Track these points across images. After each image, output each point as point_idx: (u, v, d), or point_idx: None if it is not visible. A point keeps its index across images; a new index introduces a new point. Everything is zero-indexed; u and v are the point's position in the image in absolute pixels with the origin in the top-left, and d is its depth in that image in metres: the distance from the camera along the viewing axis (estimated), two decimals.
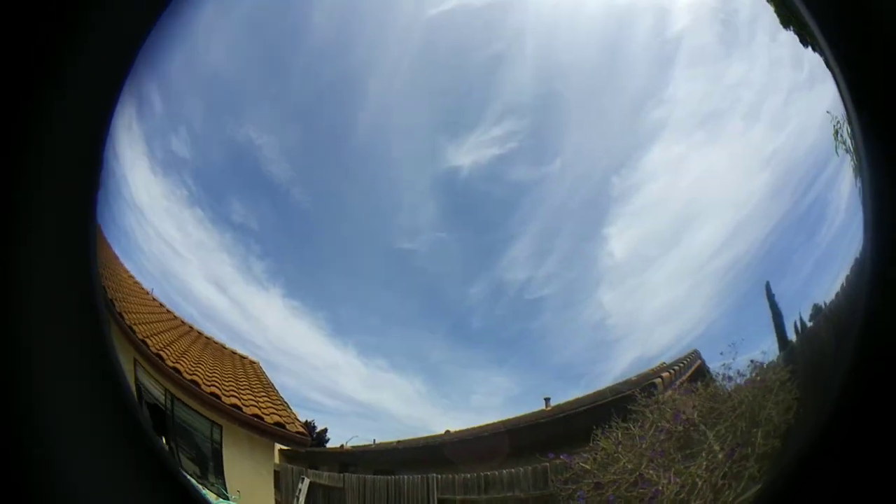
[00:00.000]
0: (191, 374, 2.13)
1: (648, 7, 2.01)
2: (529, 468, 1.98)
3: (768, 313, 2.06)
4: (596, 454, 1.95)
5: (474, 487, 2.00)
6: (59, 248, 2.24)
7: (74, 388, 2.25)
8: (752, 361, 2.05)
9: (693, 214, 1.95)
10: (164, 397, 2.21)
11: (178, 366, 2.16)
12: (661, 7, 2.03)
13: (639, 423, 1.97)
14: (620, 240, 1.90)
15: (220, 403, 2.11)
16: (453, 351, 1.90)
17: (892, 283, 2.26)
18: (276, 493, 2.11)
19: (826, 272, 2.10)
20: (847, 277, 2.14)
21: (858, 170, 2.20)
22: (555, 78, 1.92)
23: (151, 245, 2.10)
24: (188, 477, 2.14)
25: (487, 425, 1.94)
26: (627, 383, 1.98)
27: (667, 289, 1.95)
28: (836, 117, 2.18)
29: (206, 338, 2.12)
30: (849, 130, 2.18)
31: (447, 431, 1.97)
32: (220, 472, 2.13)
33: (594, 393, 1.97)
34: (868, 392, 2.23)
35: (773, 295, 2.06)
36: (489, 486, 2.00)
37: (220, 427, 2.15)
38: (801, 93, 2.14)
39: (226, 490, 2.14)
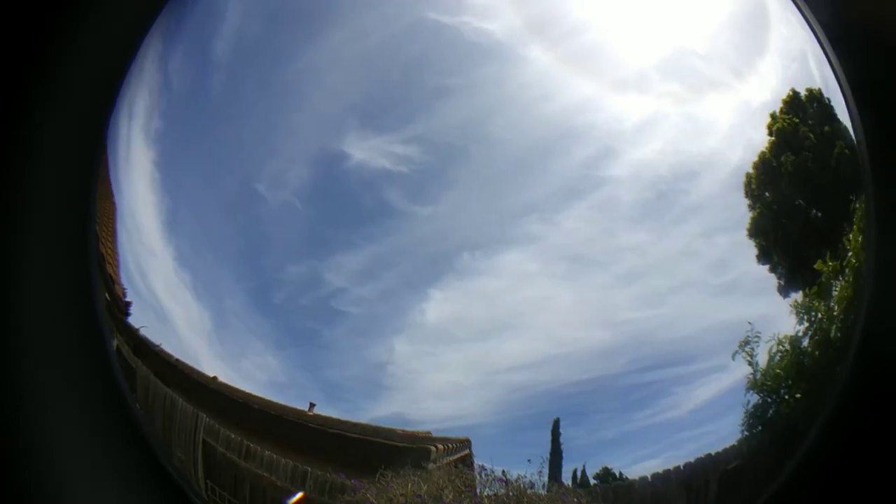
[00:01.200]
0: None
1: (599, 140, 2.06)
2: (291, 463, 2.03)
3: (547, 448, 2.11)
4: (392, 496, 1.99)
5: (236, 449, 2.07)
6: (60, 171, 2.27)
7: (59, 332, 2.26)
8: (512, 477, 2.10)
9: (512, 325, 2.00)
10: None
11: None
12: (611, 148, 2.07)
13: (427, 484, 2.03)
14: (439, 306, 1.95)
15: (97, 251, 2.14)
16: (246, 310, 1.95)
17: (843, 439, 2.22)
18: None
19: (629, 449, 2.12)
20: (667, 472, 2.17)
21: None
22: (478, 140, 1.96)
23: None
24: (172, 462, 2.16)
25: (277, 406, 1.99)
26: (392, 433, 2.04)
27: (455, 371, 2.00)
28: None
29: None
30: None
31: (215, 377, 2.03)
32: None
33: (355, 422, 2.03)
34: None
35: (560, 433, 2.11)
36: (249, 457, 2.06)
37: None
38: (697, 291, 2.18)
39: None
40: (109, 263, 2.10)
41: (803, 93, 2.26)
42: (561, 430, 2.08)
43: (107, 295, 2.08)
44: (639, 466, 2.11)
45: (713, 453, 2.11)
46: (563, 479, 2.08)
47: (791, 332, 2.13)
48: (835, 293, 2.20)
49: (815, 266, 2.20)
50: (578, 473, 2.09)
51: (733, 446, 2.10)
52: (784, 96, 2.23)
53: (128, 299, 2.07)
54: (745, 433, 2.11)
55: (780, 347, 2.13)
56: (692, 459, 2.13)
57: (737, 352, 2.11)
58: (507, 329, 2.01)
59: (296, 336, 1.97)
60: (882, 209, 2.23)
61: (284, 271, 1.96)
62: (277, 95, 1.97)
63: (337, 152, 1.94)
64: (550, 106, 2.05)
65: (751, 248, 2.14)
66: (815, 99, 2.29)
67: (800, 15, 2.23)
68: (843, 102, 2.26)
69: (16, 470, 2.16)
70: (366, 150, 1.93)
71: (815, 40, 2.23)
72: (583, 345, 2.07)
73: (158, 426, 2.08)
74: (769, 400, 2.14)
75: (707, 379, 2.11)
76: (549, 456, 2.09)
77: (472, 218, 1.97)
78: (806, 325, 2.15)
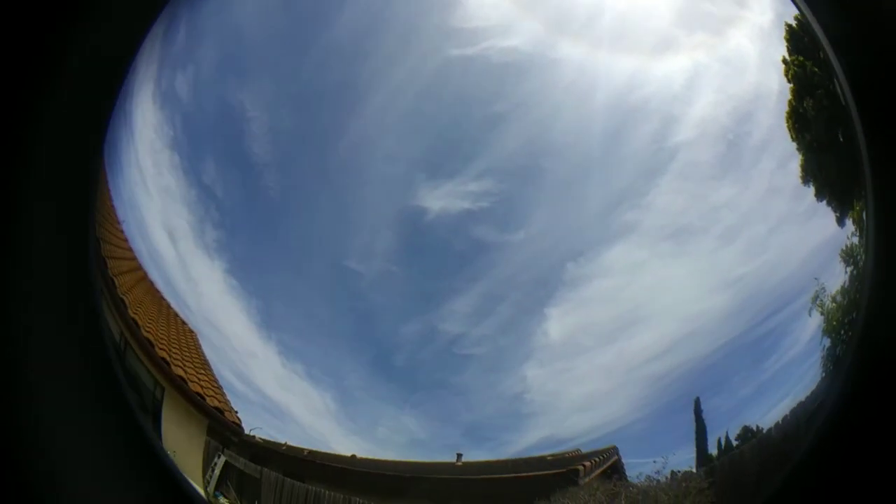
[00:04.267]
0: (146, 331, 2.18)
1: (658, 111, 2.03)
2: None
3: (692, 426, 2.09)
4: None
5: None
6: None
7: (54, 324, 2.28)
8: (669, 468, 2.09)
9: (637, 318, 1.98)
10: (119, 340, 2.25)
11: (136, 316, 2.20)
12: (671, 115, 2.04)
13: (574, 502, 2.01)
14: (559, 322, 1.94)
15: (169, 371, 2.16)
16: (371, 379, 1.95)
17: (847, 427, 2.26)
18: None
19: (765, 400, 2.13)
20: (791, 412, 2.16)
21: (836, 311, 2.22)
22: (544, 154, 1.95)
23: (130, 170, 2.14)
24: (170, 456, 2.17)
25: (426, 464, 1.98)
26: (542, 461, 2.02)
27: (593, 380, 1.98)
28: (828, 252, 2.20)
29: (153, 286, 2.17)
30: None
31: (354, 456, 2.02)
32: (158, 429, 2.19)
33: (504, 460, 2.02)
34: None
35: (702, 411, 2.09)
36: None
37: (163, 389, 2.20)
38: (791, 225, 2.15)
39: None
40: (205, 389, 2.09)
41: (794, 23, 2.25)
42: (702, 407, 2.07)
43: (210, 422, 2.07)
44: (774, 411, 2.11)
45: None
46: (709, 451, 2.07)
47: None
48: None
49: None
50: (722, 441, 2.09)
51: None
52: (783, 31, 2.21)
53: (237, 412, 2.06)
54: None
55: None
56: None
57: (811, 307, 2.11)
58: (634, 323, 1.99)
59: (427, 391, 1.96)
60: (881, 212, 2.21)
61: (399, 334, 1.95)
62: (338, 175, 1.96)
63: (415, 209, 1.94)
64: (600, 95, 2.02)
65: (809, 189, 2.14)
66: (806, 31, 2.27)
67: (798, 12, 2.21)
68: (843, 100, 2.24)
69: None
70: (442, 198, 1.92)
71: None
72: (708, 315, 2.04)
73: None
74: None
75: (817, 303, 2.12)
76: (694, 434, 2.08)
77: (566, 228, 1.95)
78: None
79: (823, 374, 2.14)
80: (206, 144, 2.08)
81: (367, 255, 1.93)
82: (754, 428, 2.11)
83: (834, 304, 2.14)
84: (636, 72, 2.06)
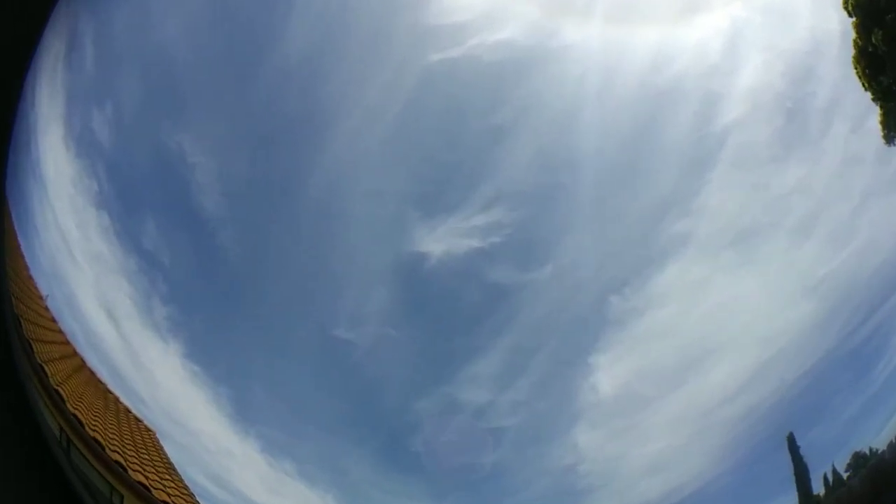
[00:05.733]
0: (92, 429, 1.83)
1: (695, 90, 1.64)
2: None
3: (789, 467, 1.72)
4: None
5: None
6: None
7: None
8: None
9: (707, 351, 1.59)
10: (59, 436, 1.90)
11: (77, 412, 1.85)
12: (714, 91, 1.65)
13: None
14: (611, 371, 1.55)
15: (127, 477, 1.81)
16: (381, 472, 1.56)
17: None
18: None
19: (875, 417, 1.74)
20: None
21: None
22: (563, 166, 1.54)
23: (49, 234, 1.79)
24: None
25: None
26: None
27: (661, 435, 1.59)
28: None
29: (94, 376, 1.81)
30: None
31: None
32: None
33: None
34: None
35: (798, 447, 1.72)
36: None
37: (122, 496, 1.85)
38: (880, 196, 1.76)
39: None
40: (173, 497, 1.72)
41: None
42: (798, 442, 1.70)
43: None
44: (890, 426, 1.73)
45: None
46: (814, 490, 1.71)
47: None
48: None
49: None
50: (830, 477, 1.73)
51: None
52: None
53: None
54: None
55: None
56: None
57: None
58: (703, 357, 1.59)
59: (454, 478, 1.57)
60: None
61: (411, 411, 1.57)
62: (311, 224, 1.57)
63: (411, 255, 1.53)
64: (622, 82, 1.62)
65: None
66: None
67: None
68: None
69: None
70: (443, 239, 1.52)
71: None
72: (792, 329, 1.65)
73: None
74: None
75: None
76: (793, 476, 1.72)
77: (602, 253, 1.55)
78: None
79: None
80: (142, 200, 1.69)
81: (359, 320, 1.54)
82: (867, 451, 1.74)
83: None
84: (661, 45, 1.67)
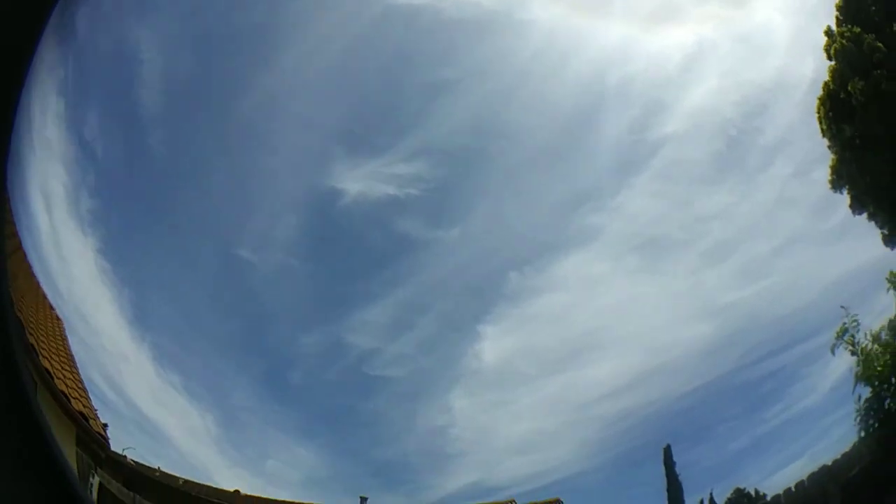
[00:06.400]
0: (19, 311, 1.82)
1: (643, 95, 1.66)
2: None
3: (662, 482, 1.73)
4: None
5: None
6: None
7: None
8: None
9: (594, 345, 1.61)
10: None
11: (11, 291, 1.84)
12: (659, 100, 1.67)
13: None
14: (497, 343, 1.56)
15: (37, 361, 1.81)
16: (261, 400, 1.57)
17: None
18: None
19: (765, 460, 1.75)
20: (810, 478, 1.75)
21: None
22: (494, 135, 1.57)
23: (20, 118, 1.79)
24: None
25: None
26: None
27: (534, 416, 1.61)
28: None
29: (24, 256, 1.80)
30: None
31: (237, 491, 1.67)
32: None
33: None
34: None
35: (674, 463, 1.73)
36: None
37: (36, 384, 1.84)
38: (808, 245, 1.77)
39: None
40: (70, 388, 1.73)
41: None
42: (676, 459, 1.70)
43: (78, 430, 1.72)
44: (782, 474, 1.70)
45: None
46: None
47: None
48: None
49: None
50: None
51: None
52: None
53: (103, 422, 1.71)
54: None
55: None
56: (846, 448, 1.73)
57: (836, 344, 1.71)
58: (588, 350, 1.61)
59: (328, 418, 1.59)
60: None
61: (297, 345, 1.58)
62: (238, 140, 1.59)
63: (328, 190, 1.55)
64: (573, 69, 1.64)
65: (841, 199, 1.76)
66: None
67: None
68: None
69: None
70: (361, 180, 1.54)
71: None
72: (684, 346, 1.67)
73: None
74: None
75: (846, 341, 1.71)
76: (665, 492, 1.72)
77: (512, 228, 1.57)
78: None
79: (860, 434, 1.70)
80: (94, 89, 1.70)
81: (264, 244, 1.55)
82: (752, 493, 1.73)
83: (877, 346, 1.73)
84: (622, 43, 1.69)
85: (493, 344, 1.58)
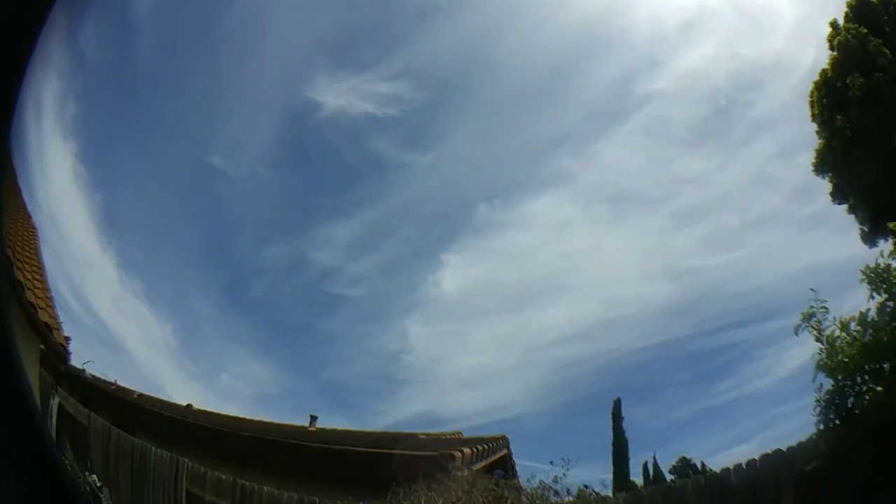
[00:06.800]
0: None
1: (636, 48, 1.65)
2: (295, 496, 1.66)
3: (608, 435, 1.73)
4: None
5: (228, 494, 1.67)
6: None
7: None
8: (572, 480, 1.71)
9: (553, 287, 1.61)
10: None
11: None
12: (651, 56, 1.66)
13: (442, 497, 1.65)
14: (457, 274, 1.56)
15: (11, 274, 1.79)
16: (220, 310, 1.56)
17: None
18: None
19: (710, 435, 1.74)
20: (761, 462, 1.72)
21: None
22: (481, 65, 1.56)
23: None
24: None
25: (261, 424, 1.63)
26: (413, 439, 1.66)
27: (487, 351, 1.62)
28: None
29: (13, 172, 1.79)
30: None
31: (190, 405, 1.67)
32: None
33: (367, 432, 1.66)
34: None
35: (622, 418, 1.73)
36: (246, 499, 1.66)
37: (10, 297, 1.82)
38: (778, 226, 1.77)
39: None
40: (38, 299, 1.71)
41: None
42: (623, 414, 1.70)
43: (42, 345, 1.71)
44: (727, 453, 1.67)
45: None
46: (631, 476, 1.69)
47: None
48: None
49: (890, 226, 1.77)
50: (650, 467, 1.69)
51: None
52: None
53: (66, 335, 1.70)
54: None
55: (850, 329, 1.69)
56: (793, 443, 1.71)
57: (801, 327, 1.69)
58: (547, 292, 1.62)
59: (284, 334, 1.59)
60: None
61: (260, 256, 1.57)
62: (219, 42, 1.57)
63: (306, 102, 1.53)
64: (570, 12, 1.64)
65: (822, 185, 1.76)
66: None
67: None
68: None
69: None
70: (341, 95, 1.53)
71: None
72: (642, 303, 1.67)
73: (126, 494, 1.70)
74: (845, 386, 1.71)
75: (802, 337, 1.69)
76: (611, 446, 1.72)
77: (487, 161, 1.56)
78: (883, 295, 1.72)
79: (817, 428, 1.64)
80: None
81: (236, 150, 1.54)
82: (697, 465, 1.68)
83: (845, 335, 1.67)
84: None
85: (455, 274, 1.58)
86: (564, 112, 1.61)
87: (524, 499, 1.58)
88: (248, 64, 1.60)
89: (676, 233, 1.70)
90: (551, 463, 1.65)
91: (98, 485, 1.69)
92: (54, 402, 1.77)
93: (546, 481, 1.66)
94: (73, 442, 1.77)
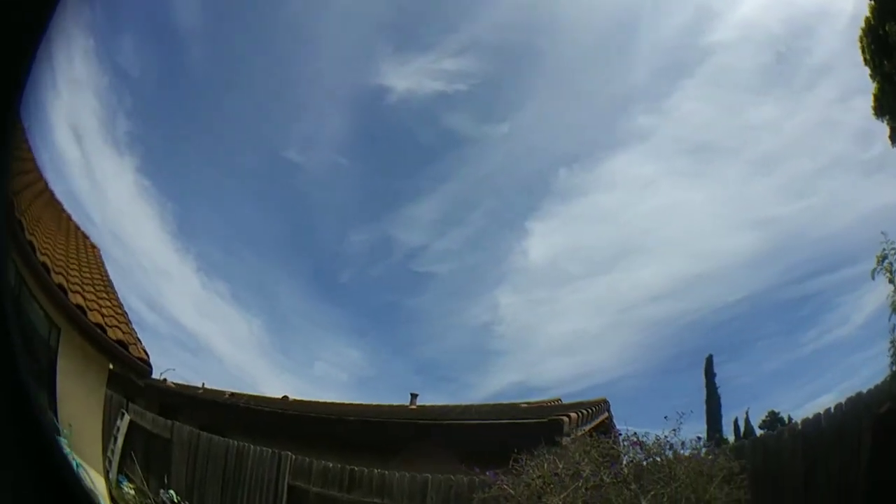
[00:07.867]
0: (42, 253, 1.76)
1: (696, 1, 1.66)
2: (407, 475, 1.69)
3: (702, 393, 1.72)
4: (529, 480, 1.61)
5: (336, 481, 1.68)
6: None
7: None
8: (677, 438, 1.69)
9: (640, 248, 1.61)
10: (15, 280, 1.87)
11: (33, 238, 1.77)
12: (710, 8, 1.66)
13: (563, 460, 1.65)
14: (544, 241, 1.57)
15: (66, 302, 1.78)
16: (309, 300, 1.58)
17: None
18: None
19: (798, 387, 1.73)
20: (845, 409, 1.71)
21: None
22: (544, 31, 1.56)
23: (40, 69, 1.79)
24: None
25: (393, 407, 1.65)
26: (515, 408, 1.67)
27: (578, 317, 1.62)
28: None
29: (51, 195, 1.80)
30: None
31: (286, 397, 1.69)
32: (52, 394, 1.75)
33: (467, 405, 1.67)
34: None
35: (714, 374, 1.73)
36: (355, 485, 1.69)
37: (59, 330, 1.75)
38: (847, 170, 1.75)
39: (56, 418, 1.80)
40: (106, 318, 1.71)
41: None
42: (716, 370, 1.69)
43: (110, 365, 1.71)
44: (812, 404, 1.67)
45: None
46: (724, 433, 1.67)
47: None
48: None
49: None
50: (741, 424, 1.68)
51: None
52: None
53: (145, 350, 1.67)
54: None
55: None
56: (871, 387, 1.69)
57: (876, 270, 1.67)
58: (634, 252, 1.61)
59: (376, 316, 1.60)
60: None
61: (345, 243, 1.59)
62: (280, 42, 1.58)
63: (375, 88, 1.54)
64: None
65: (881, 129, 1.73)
66: None
67: None
68: None
69: None
70: (409, 76, 1.53)
71: None
72: (728, 255, 1.66)
73: (215, 502, 1.70)
74: None
75: (878, 281, 1.67)
76: (703, 404, 1.71)
77: (562, 125, 1.56)
78: None
79: (891, 370, 1.61)
80: (126, 18, 1.69)
81: (311, 144, 1.56)
82: (785, 419, 1.68)
83: None
84: None
85: (541, 241, 1.58)
86: (632, 70, 1.61)
87: (642, 453, 1.58)
88: (309, 57, 1.62)
89: (755, 182, 1.69)
90: (665, 418, 1.64)
91: (176, 500, 1.70)
92: (122, 423, 1.78)
93: (661, 437, 1.65)
94: (148, 459, 1.78)
